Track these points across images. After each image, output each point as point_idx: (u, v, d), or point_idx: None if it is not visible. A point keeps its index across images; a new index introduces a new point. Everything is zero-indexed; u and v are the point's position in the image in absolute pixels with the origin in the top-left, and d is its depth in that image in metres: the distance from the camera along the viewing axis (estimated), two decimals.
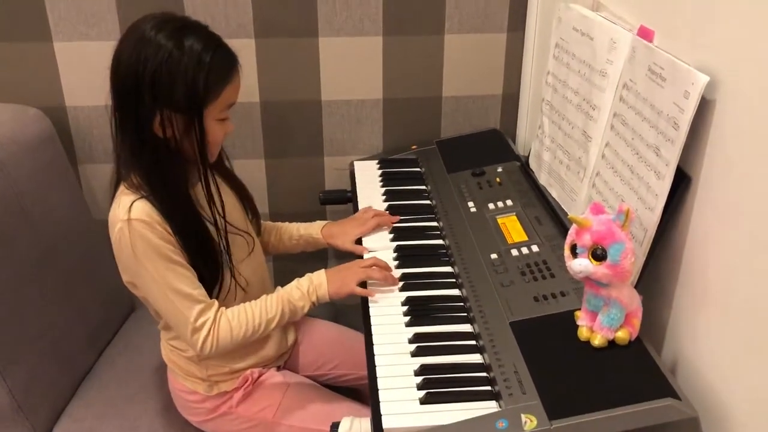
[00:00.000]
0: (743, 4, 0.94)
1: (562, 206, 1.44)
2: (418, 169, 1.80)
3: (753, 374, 0.94)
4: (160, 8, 1.24)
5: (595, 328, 1.07)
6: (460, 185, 1.64)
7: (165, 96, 1.15)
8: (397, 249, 1.44)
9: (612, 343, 1.06)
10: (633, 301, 1.07)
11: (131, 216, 1.18)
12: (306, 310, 1.31)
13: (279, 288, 1.33)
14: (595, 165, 1.32)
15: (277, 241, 1.58)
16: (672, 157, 1.05)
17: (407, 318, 1.23)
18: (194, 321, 1.22)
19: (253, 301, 1.30)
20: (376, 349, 1.16)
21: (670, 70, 1.07)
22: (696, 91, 1.00)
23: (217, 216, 1.28)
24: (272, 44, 1.77)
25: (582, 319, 1.09)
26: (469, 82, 1.87)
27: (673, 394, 0.97)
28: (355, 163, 1.86)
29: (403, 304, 1.27)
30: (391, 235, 1.49)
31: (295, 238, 1.57)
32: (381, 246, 1.45)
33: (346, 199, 1.86)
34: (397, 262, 1.39)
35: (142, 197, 1.19)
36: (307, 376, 1.54)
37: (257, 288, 1.40)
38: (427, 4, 1.77)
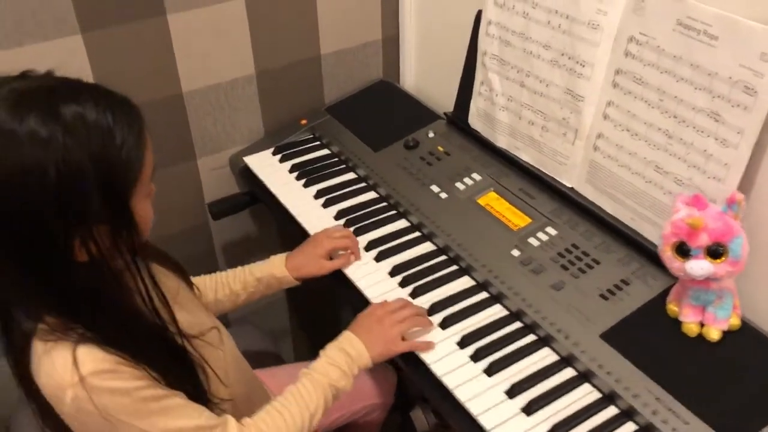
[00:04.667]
0: None
1: (545, 171, 1.31)
2: (328, 151, 1.52)
3: None
4: None
5: (708, 323, 1.00)
6: (403, 165, 1.41)
7: (79, 208, 0.76)
8: (396, 271, 1.20)
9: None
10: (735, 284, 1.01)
11: (83, 373, 0.80)
12: (348, 389, 1.05)
13: (305, 371, 1.04)
14: (592, 126, 1.20)
15: (225, 297, 1.24)
16: (747, 124, 0.97)
17: (480, 364, 1.04)
18: None
19: (281, 398, 1.00)
20: (472, 408, 0.96)
21: (725, 26, 0.97)
22: None
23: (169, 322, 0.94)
24: (107, 36, 1.29)
25: (687, 315, 1.01)
26: (348, 32, 1.59)
27: None
28: (247, 159, 1.51)
29: (461, 344, 1.07)
30: (373, 254, 1.24)
31: (251, 285, 1.24)
32: (371, 274, 1.20)
33: (245, 204, 1.53)
34: (409, 291, 1.17)
35: (77, 341, 0.81)
36: None
37: (243, 386, 1.10)
38: None
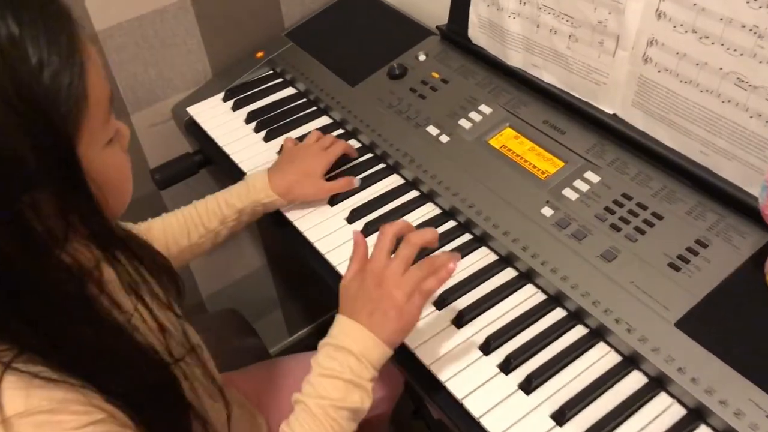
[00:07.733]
0: None
1: (577, 95, 0.99)
2: (294, 90, 1.20)
3: None
4: None
5: None
6: (389, 101, 1.09)
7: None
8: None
9: None
10: None
11: (7, 414, 0.53)
12: (368, 404, 0.73)
13: (297, 397, 0.73)
14: (640, 30, 0.88)
15: (203, 239, 0.97)
16: None
17: (512, 379, 0.76)
18: None
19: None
20: None
21: None
22: None
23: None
24: None
25: None
26: None
27: None
28: (191, 109, 1.19)
29: (485, 350, 0.79)
30: (358, 225, 0.94)
31: (232, 218, 0.96)
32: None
33: (197, 165, 1.22)
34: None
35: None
36: None
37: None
38: None
